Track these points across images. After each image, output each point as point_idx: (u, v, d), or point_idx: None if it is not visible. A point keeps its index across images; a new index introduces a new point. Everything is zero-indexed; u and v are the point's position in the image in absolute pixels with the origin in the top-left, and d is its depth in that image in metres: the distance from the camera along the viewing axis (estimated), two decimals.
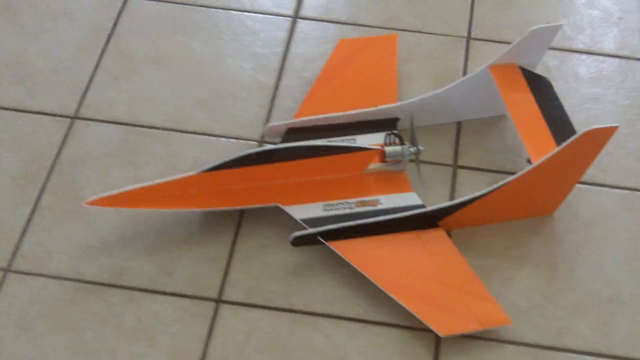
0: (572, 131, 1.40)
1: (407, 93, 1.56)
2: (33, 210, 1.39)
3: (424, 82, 1.60)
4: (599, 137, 1.32)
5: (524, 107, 1.46)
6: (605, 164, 1.48)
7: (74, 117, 1.52)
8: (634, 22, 1.71)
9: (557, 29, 1.47)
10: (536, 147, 1.39)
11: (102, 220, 1.38)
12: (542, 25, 1.46)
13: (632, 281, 1.35)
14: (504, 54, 1.48)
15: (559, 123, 1.43)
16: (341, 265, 1.34)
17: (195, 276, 1.33)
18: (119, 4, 1.69)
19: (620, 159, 1.50)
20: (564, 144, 1.31)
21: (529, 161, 1.38)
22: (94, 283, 1.32)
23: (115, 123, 1.51)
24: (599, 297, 1.33)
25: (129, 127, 1.51)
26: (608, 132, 1.32)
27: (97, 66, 1.59)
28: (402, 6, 1.72)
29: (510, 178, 1.34)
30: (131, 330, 1.28)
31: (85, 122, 1.51)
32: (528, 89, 1.48)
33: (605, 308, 1.32)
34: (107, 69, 1.59)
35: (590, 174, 1.45)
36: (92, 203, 1.32)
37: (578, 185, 1.43)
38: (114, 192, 1.33)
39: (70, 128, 1.50)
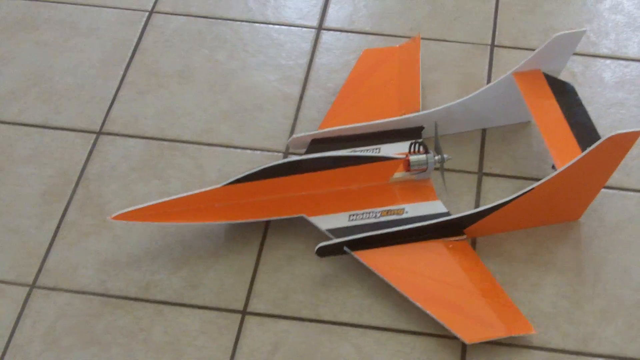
0: (597, 137, 1.39)
1: (432, 101, 1.56)
2: (59, 226, 1.41)
3: (449, 90, 1.60)
4: (623, 142, 1.32)
5: (548, 113, 1.45)
6: (629, 168, 1.48)
7: (100, 133, 1.53)
8: None
9: (580, 34, 1.46)
10: (561, 153, 1.38)
11: (128, 235, 1.39)
12: (565, 32, 1.45)
13: None
14: (528, 60, 1.48)
15: (583, 129, 1.42)
16: (368, 274, 1.34)
17: (221, 288, 1.34)
18: (144, 19, 1.71)
19: None
20: (588, 149, 1.30)
21: (554, 167, 1.37)
22: (120, 297, 1.33)
23: (140, 137, 1.52)
24: (625, 302, 1.33)
25: (154, 141, 1.52)
26: (632, 137, 1.31)
27: (122, 81, 1.61)
28: (426, 15, 1.72)
29: (535, 184, 1.33)
30: (158, 344, 1.29)
31: (110, 137, 1.53)
32: (552, 96, 1.47)
33: (632, 312, 1.32)
34: (132, 84, 1.60)
35: (615, 178, 1.44)
36: (117, 217, 1.33)
37: (603, 190, 1.43)
38: (139, 206, 1.34)
39: (95, 143, 1.52)
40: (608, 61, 1.65)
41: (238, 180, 1.36)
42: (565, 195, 1.37)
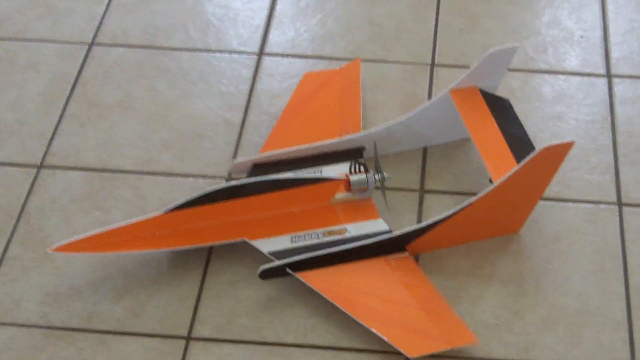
0: (532, 150, 1.41)
1: (375, 122, 1.58)
2: (0, 262, 1.40)
3: (390, 111, 1.61)
4: (557, 153, 1.33)
5: (484, 129, 1.47)
6: (569, 180, 1.49)
7: (40, 166, 1.53)
8: (595, 39, 1.73)
9: (513, 50, 1.48)
10: (497, 167, 1.40)
11: (69, 266, 1.39)
12: (498, 48, 1.47)
13: (598, 293, 1.36)
14: (464, 77, 1.49)
15: (519, 143, 1.44)
16: (311, 295, 1.34)
17: (164, 316, 1.34)
18: (83, 52, 1.71)
19: (584, 174, 1.51)
20: (523, 161, 1.32)
21: (491, 181, 1.39)
22: (63, 329, 1.33)
23: (81, 169, 1.52)
24: (566, 310, 1.34)
25: (95, 173, 1.52)
26: (565, 147, 1.33)
27: (62, 114, 1.61)
28: (367, 37, 1.74)
29: (473, 199, 1.35)
30: None
31: (51, 170, 1.53)
32: (488, 111, 1.49)
33: (572, 320, 1.33)
34: (73, 117, 1.60)
35: (554, 190, 1.46)
36: (58, 249, 1.33)
37: (543, 202, 1.44)
38: (79, 237, 1.33)
39: (36, 177, 1.52)
40: (546, 76, 1.67)
41: (178, 207, 1.37)
42: (504, 208, 1.38)
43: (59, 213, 1.46)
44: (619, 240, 1.42)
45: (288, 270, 1.34)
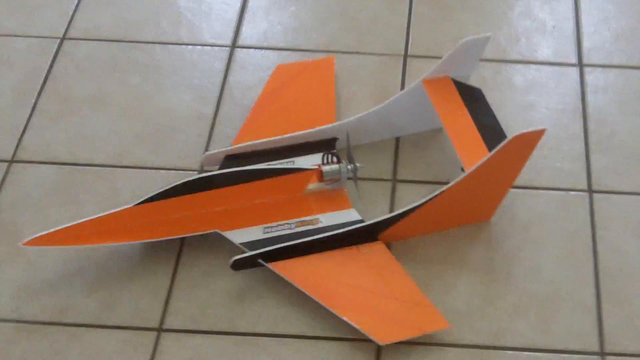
0: (504, 138, 1.41)
1: (349, 114, 1.58)
2: None
3: (364, 102, 1.61)
4: (529, 141, 1.34)
5: (457, 118, 1.47)
6: (540, 168, 1.50)
7: (12, 161, 1.53)
8: (567, 30, 1.74)
9: (485, 40, 1.49)
10: (469, 155, 1.40)
11: (42, 260, 1.39)
12: (470, 38, 1.47)
13: (568, 279, 1.37)
14: (436, 67, 1.50)
15: (491, 132, 1.44)
16: (283, 285, 1.35)
17: (136, 308, 1.34)
18: (55, 46, 1.71)
19: (556, 162, 1.51)
20: (495, 150, 1.32)
21: (463, 170, 1.39)
22: (35, 322, 1.32)
23: (53, 164, 1.52)
24: (537, 296, 1.35)
25: (67, 167, 1.52)
26: (536, 135, 1.33)
27: (34, 109, 1.60)
28: (340, 29, 1.74)
29: (445, 187, 1.35)
30: None
31: (22, 164, 1.52)
32: (461, 101, 1.49)
33: (543, 306, 1.33)
34: (44, 111, 1.60)
35: (526, 178, 1.47)
36: (29, 243, 1.32)
37: (514, 190, 1.45)
38: (50, 230, 1.33)
39: (8, 172, 1.51)
40: (518, 66, 1.68)
41: (150, 199, 1.37)
42: (476, 196, 1.39)
43: (31, 207, 1.46)
44: (589, 227, 1.43)
45: (260, 260, 1.34)
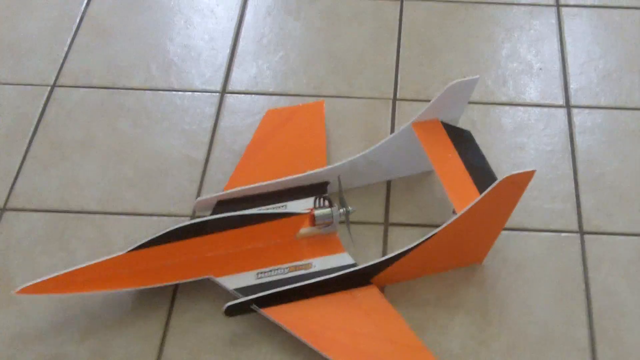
0: (494, 179, 1.42)
1: (339, 157, 1.59)
2: None
3: (354, 145, 1.62)
4: (519, 182, 1.34)
5: (447, 160, 1.48)
6: (531, 209, 1.51)
7: (3, 209, 1.53)
8: (553, 71, 1.75)
9: (474, 82, 1.50)
10: (460, 197, 1.41)
11: (35, 308, 1.38)
12: (459, 80, 1.48)
13: (561, 320, 1.37)
14: (425, 110, 1.51)
15: (481, 173, 1.45)
16: (277, 331, 1.34)
17: (129, 355, 1.33)
18: (46, 93, 1.71)
19: (546, 203, 1.52)
20: (486, 191, 1.33)
21: (454, 212, 1.40)
22: None
23: (45, 211, 1.52)
24: (530, 337, 1.35)
25: (59, 214, 1.52)
26: (526, 176, 1.34)
27: (25, 156, 1.61)
28: (329, 72, 1.75)
29: (437, 230, 1.35)
30: None
31: (14, 212, 1.52)
32: (450, 143, 1.50)
33: (537, 348, 1.34)
34: (35, 158, 1.60)
35: (516, 220, 1.47)
36: (22, 292, 1.32)
37: (506, 232, 1.46)
38: (43, 278, 1.32)
39: (0, 219, 1.51)
40: (506, 107, 1.69)
41: (142, 246, 1.36)
42: (467, 239, 1.39)
43: (23, 255, 1.46)
44: (581, 268, 1.44)
45: (253, 306, 1.34)
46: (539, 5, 1.85)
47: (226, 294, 1.37)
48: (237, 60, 1.77)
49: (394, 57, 1.78)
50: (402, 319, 1.34)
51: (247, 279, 1.38)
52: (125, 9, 1.85)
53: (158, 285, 1.37)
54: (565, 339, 1.34)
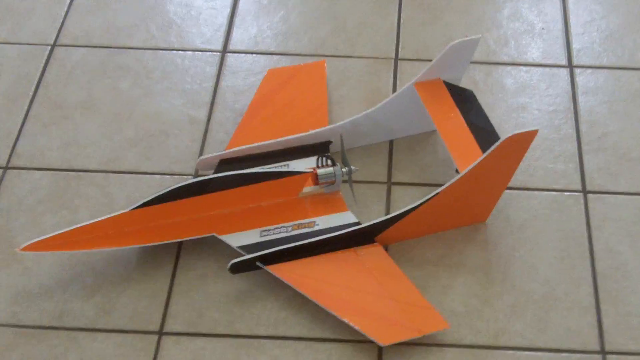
0: (497, 139, 1.42)
1: (340, 117, 1.58)
2: None
3: (355, 106, 1.62)
4: (522, 142, 1.35)
5: (449, 120, 1.48)
6: (533, 169, 1.51)
7: (6, 168, 1.52)
8: (556, 31, 1.75)
9: (475, 42, 1.49)
10: (463, 157, 1.41)
11: (38, 266, 1.38)
12: (461, 39, 1.48)
13: (564, 278, 1.37)
14: (427, 70, 1.50)
15: (484, 133, 1.45)
16: (282, 288, 1.35)
17: (135, 312, 1.34)
18: (46, 53, 1.70)
19: (548, 163, 1.52)
20: (489, 151, 1.33)
21: (457, 171, 1.40)
22: (33, 327, 1.32)
23: (47, 170, 1.52)
24: (533, 296, 1.35)
25: (61, 173, 1.51)
26: (529, 136, 1.34)
27: (26, 115, 1.60)
28: (330, 33, 1.74)
29: (440, 189, 1.36)
30: None
31: (16, 171, 1.52)
32: (453, 102, 1.50)
33: (540, 306, 1.34)
34: (37, 118, 1.60)
35: (519, 179, 1.47)
36: (26, 249, 1.32)
37: (509, 191, 1.46)
38: (47, 236, 1.32)
39: (2, 179, 1.51)
40: (509, 67, 1.69)
41: (146, 204, 1.36)
42: (471, 198, 1.39)
43: (26, 213, 1.46)
44: (584, 227, 1.44)
45: (258, 263, 1.34)
46: None
47: (230, 251, 1.37)
48: (237, 19, 1.77)
49: (396, 17, 1.77)
50: (407, 277, 1.34)
51: (251, 236, 1.38)
52: None
53: (162, 242, 1.37)
54: (568, 298, 1.35)
